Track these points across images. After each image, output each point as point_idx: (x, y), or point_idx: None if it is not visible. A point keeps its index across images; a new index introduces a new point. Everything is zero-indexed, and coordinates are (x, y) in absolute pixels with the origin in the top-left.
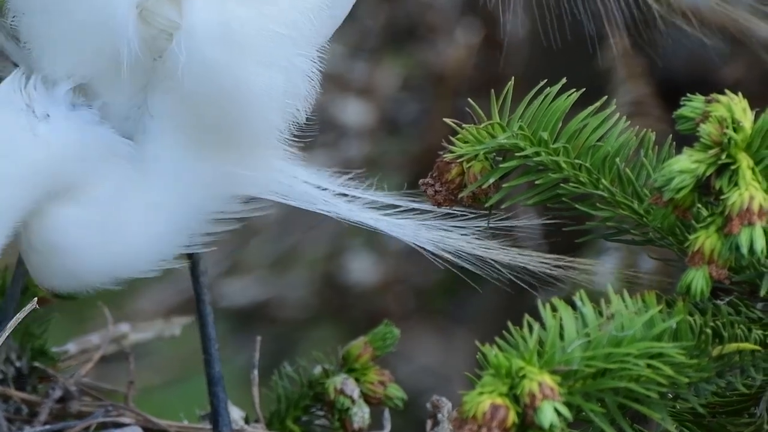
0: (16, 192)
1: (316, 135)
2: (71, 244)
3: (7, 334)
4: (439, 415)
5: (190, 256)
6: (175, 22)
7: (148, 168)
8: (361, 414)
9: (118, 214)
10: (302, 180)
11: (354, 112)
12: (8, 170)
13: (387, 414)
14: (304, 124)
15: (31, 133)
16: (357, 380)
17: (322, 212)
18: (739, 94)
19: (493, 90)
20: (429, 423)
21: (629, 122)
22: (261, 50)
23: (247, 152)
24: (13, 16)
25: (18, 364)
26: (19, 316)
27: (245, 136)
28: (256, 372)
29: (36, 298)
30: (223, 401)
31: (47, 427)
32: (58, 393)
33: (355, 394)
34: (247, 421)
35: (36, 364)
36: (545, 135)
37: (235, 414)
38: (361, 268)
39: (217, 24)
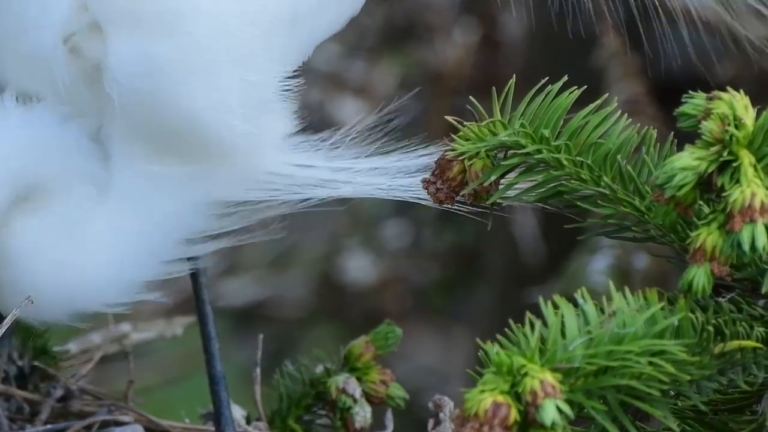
0: None
1: (312, 134)
2: (25, 257)
3: (2, 330)
4: (441, 414)
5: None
6: (102, 57)
7: (111, 189)
8: (362, 413)
9: (78, 234)
10: (295, 164)
11: (351, 111)
12: None
13: (389, 414)
14: (302, 123)
15: None
16: (359, 379)
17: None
18: (741, 91)
19: (494, 88)
20: (431, 422)
21: (629, 119)
22: (190, 77)
23: (219, 161)
24: None
25: (19, 363)
26: (15, 312)
27: (205, 151)
28: (258, 370)
29: (30, 297)
30: (225, 400)
31: (48, 426)
32: (59, 392)
33: (357, 393)
34: (248, 420)
35: (37, 363)
36: (547, 132)
37: (237, 413)
38: (359, 267)
39: (139, 61)
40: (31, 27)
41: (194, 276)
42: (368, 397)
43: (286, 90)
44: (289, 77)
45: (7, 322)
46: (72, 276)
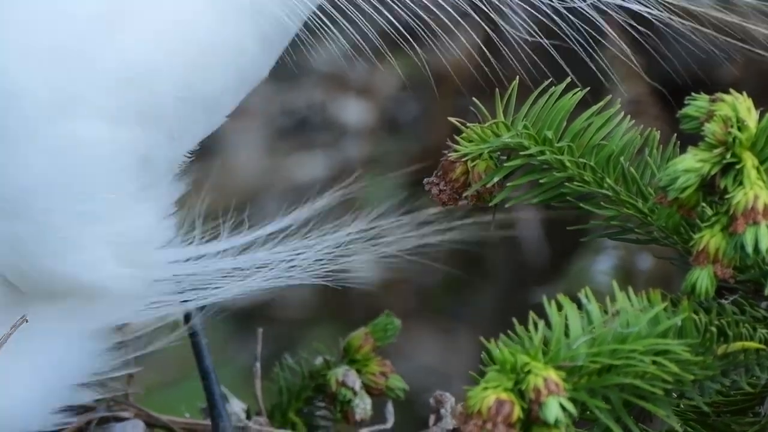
0: None
1: (315, 135)
2: None
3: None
4: (442, 410)
5: None
6: None
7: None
8: (362, 405)
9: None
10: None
11: (354, 112)
12: None
13: (390, 407)
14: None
15: None
16: (358, 371)
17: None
18: (744, 93)
19: (497, 89)
20: (432, 418)
21: (632, 121)
22: (55, 249)
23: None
24: None
25: None
26: (11, 332)
27: (87, 295)
28: (258, 364)
29: (25, 315)
30: (217, 394)
31: None
32: None
33: (357, 385)
34: (248, 414)
35: None
36: (549, 134)
37: (237, 407)
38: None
39: (5, 242)
40: None
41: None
42: (368, 389)
43: (154, 220)
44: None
45: (2, 341)
46: None
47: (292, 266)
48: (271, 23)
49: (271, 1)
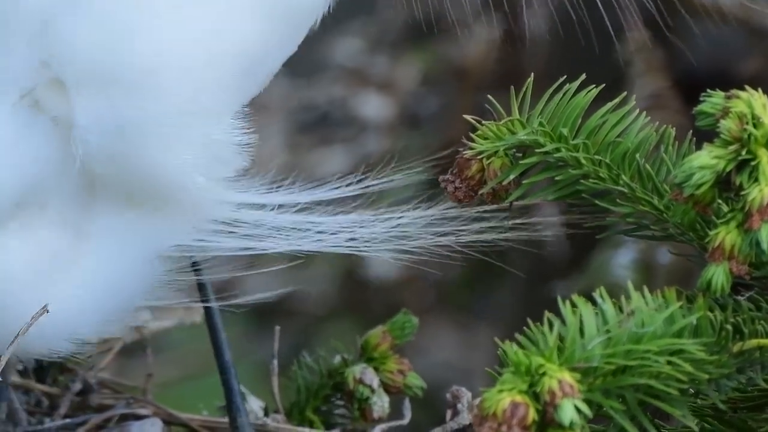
0: None
1: (336, 130)
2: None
3: (17, 338)
4: (459, 405)
5: None
6: (65, 113)
7: (88, 235)
8: (380, 403)
9: (59, 278)
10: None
11: (374, 107)
12: None
13: (407, 403)
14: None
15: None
16: (376, 369)
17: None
18: (759, 89)
19: (512, 86)
20: (449, 413)
21: (648, 116)
22: (157, 136)
23: (178, 210)
24: None
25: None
26: (30, 323)
27: (166, 202)
28: (275, 362)
29: (46, 305)
30: (236, 390)
31: (67, 420)
32: (78, 385)
33: (375, 383)
34: (266, 411)
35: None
36: (565, 131)
37: (255, 405)
38: (382, 263)
39: (106, 120)
40: None
41: (197, 268)
42: (386, 387)
43: (240, 140)
44: (242, 124)
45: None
46: (51, 311)
47: (351, 238)
48: None
49: None
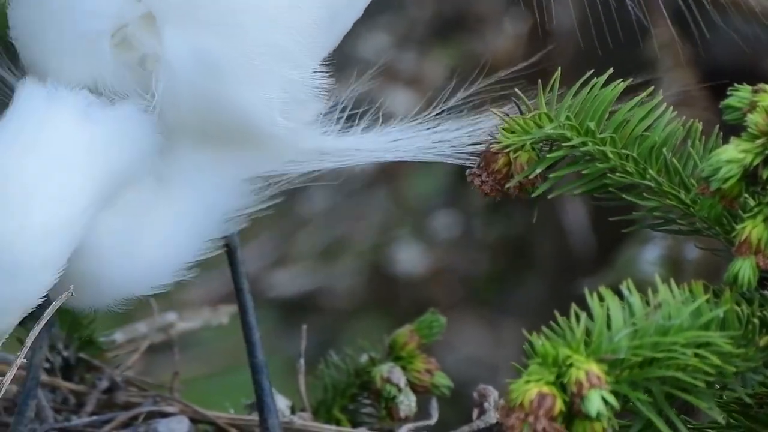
0: (81, 202)
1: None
2: (100, 244)
3: (44, 321)
4: (486, 404)
5: (228, 246)
6: (155, 51)
7: (169, 179)
8: (407, 402)
9: (144, 220)
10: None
11: (402, 102)
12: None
13: (434, 403)
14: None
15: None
16: (403, 368)
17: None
18: None
19: (539, 80)
20: (475, 411)
21: (675, 111)
22: (241, 74)
23: (259, 146)
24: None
25: (65, 353)
26: (56, 304)
27: (248, 139)
28: (302, 360)
29: (72, 286)
30: (267, 389)
31: (94, 417)
32: (104, 383)
33: (402, 382)
34: (293, 410)
35: (82, 354)
36: (592, 125)
37: (281, 403)
38: (409, 258)
39: (194, 55)
40: (80, 14)
41: (234, 265)
42: (413, 386)
43: (319, 82)
44: (322, 70)
45: (48, 312)
46: (138, 259)
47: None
48: None
49: None
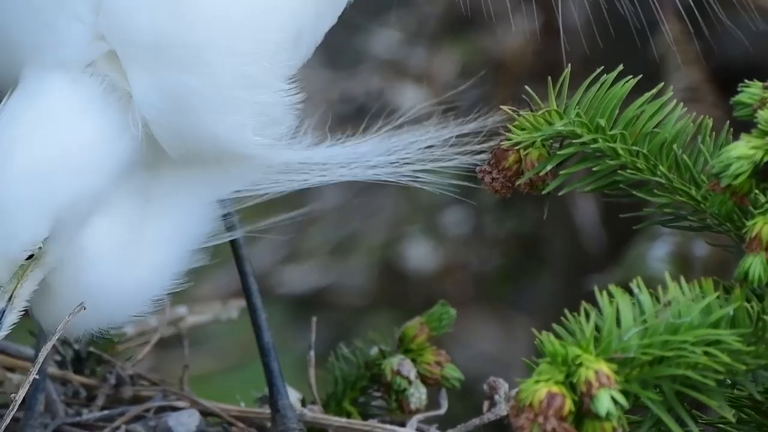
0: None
1: (374, 122)
2: (99, 255)
3: (56, 337)
4: (496, 396)
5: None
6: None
7: (150, 197)
8: (417, 394)
9: (135, 238)
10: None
11: (412, 98)
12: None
13: (444, 393)
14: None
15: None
16: (413, 361)
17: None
18: None
19: (549, 77)
20: (486, 404)
21: (685, 108)
22: (212, 106)
23: (233, 165)
24: None
25: (76, 347)
26: (68, 319)
27: (222, 160)
28: (312, 353)
29: (83, 303)
30: (276, 372)
31: (105, 411)
32: (115, 377)
33: (412, 374)
34: (303, 403)
35: (93, 348)
36: (602, 122)
37: (292, 396)
38: (420, 255)
39: (161, 93)
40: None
41: (236, 250)
42: (423, 379)
43: (289, 99)
44: (291, 88)
45: (60, 329)
46: (129, 276)
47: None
48: None
49: None
